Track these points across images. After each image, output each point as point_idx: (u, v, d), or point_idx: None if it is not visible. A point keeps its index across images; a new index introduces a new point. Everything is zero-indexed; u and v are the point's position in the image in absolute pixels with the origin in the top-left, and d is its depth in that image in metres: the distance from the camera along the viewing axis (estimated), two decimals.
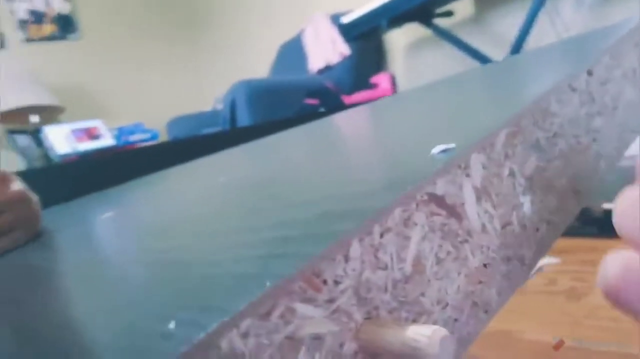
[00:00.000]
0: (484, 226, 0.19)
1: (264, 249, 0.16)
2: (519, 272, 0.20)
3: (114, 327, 0.15)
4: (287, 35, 3.10)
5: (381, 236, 0.16)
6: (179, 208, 0.38)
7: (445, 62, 2.56)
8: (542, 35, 2.17)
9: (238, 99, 2.31)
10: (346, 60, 2.66)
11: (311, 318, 0.14)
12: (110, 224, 0.47)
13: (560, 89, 0.26)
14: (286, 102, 2.31)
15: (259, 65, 3.33)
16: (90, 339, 0.15)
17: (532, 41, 2.05)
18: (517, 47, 2.06)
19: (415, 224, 0.17)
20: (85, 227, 0.54)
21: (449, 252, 0.18)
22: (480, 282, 0.19)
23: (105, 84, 3.64)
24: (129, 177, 1.33)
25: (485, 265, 0.19)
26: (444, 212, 0.18)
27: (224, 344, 0.12)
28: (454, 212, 0.18)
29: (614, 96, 0.31)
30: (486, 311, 0.18)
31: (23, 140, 2.95)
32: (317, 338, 0.14)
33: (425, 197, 0.17)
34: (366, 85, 2.51)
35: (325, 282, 0.14)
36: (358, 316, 0.15)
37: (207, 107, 3.57)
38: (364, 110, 0.85)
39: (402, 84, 2.65)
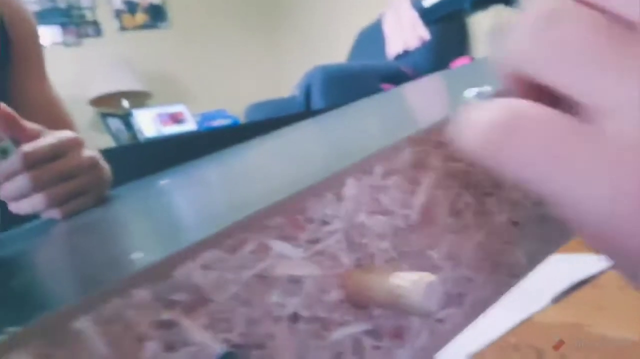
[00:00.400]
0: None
1: (258, 189, 0.15)
2: (558, 233, 0.17)
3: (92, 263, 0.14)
4: (367, 21, 3.06)
5: (383, 177, 0.14)
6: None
7: None
8: None
9: (313, 83, 2.32)
10: (425, 44, 2.58)
11: (288, 258, 0.12)
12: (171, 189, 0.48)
13: None
14: (361, 87, 2.29)
15: (338, 52, 3.32)
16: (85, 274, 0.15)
17: None
18: None
19: (429, 169, 0.15)
20: (148, 194, 0.56)
21: (468, 204, 0.16)
22: (507, 242, 0.16)
23: (190, 71, 3.79)
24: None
25: (514, 223, 0.16)
26: (460, 160, 0.16)
27: (177, 274, 0.11)
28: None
29: None
30: (511, 275, 0.16)
31: (114, 123, 3.15)
32: (294, 281, 0.12)
33: (436, 142, 0.15)
34: (446, 69, 2.43)
35: (310, 220, 0.13)
36: (347, 261, 0.13)
37: (287, 93, 3.62)
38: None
39: None
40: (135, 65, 3.39)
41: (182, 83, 3.76)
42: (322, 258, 0.13)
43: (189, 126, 3.00)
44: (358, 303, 0.13)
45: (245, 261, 0.12)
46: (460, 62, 2.40)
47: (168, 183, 0.52)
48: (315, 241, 0.13)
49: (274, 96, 3.46)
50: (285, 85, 3.75)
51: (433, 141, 0.15)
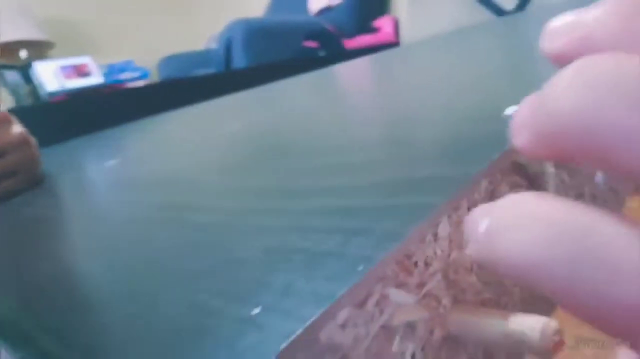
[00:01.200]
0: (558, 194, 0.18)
1: (334, 220, 0.15)
2: None
3: (179, 304, 0.14)
4: None
5: (468, 210, 0.14)
6: (196, 158, 0.36)
7: (452, 7, 2.48)
8: None
9: (234, 39, 2.23)
10: (347, 1, 2.57)
11: (405, 305, 0.12)
12: (123, 176, 0.45)
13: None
14: (284, 44, 2.25)
15: (254, 4, 3.22)
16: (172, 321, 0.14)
17: None
18: None
19: (502, 194, 0.15)
20: (89, 175, 0.52)
21: None
22: None
23: (95, 19, 3.51)
24: (122, 119, 1.30)
25: None
26: (525, 183, 0.17)
27: (323, 336, 0.11)
28: (535, 182, 0.17)
29: None
30: None
31: (12, 76, 2.86)
32: (410, 326, 0.12)
33: (509, 167, 0.16)
34: (368, 29, 2.44)
35: (416, 264, 0.13)
36: (446, 300, 0.13)
37: (200, 46, 3.46)
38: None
39: (406, 29, 2.57)
40: (35, 12, 3.07)
41: (87, 32, 3.47)
42: (429, 300, 0.13)
43: (95, 79, 2.80)
44: (459, 341, 0.13)
45: (372, 313, 0.12)
46: (382, 22, 2.42)
47: (114, 164, 0.49)
48: (422, 285, 0.13)
49: (186, 47, 3.30)
50: (197, 37, 3.59)
51: (503, 169, 0.16)
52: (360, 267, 0.12)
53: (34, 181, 0.50)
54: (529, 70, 0.31)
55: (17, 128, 0.51)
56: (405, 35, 2.55)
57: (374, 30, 2.41)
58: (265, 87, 0.93)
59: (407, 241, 0.13)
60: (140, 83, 2.75)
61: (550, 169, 0.17)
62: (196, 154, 0.38)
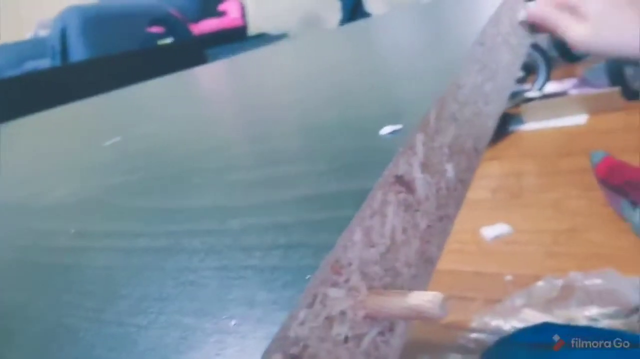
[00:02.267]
0: (427, 195, 0.24)
1: (270, 237, 0.18)
2: (448, 227, 0.25)
3: None
4: None
5: (371, 217, 0.19)
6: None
7: None
8: None
9: (70, 27, 2.06)
10: None
11: (339, 298, 0.17)
12: None
13: (466, 63, 0.30)
14: (127, 32, 2.13)
15: None
16: None
17: None
18: None
19: (390, 203, 0.20)
20: None
21: (408, 222, 0.22)
22: (428, 241, 0.23)
23: None
24: None
25: (429, 226, 0.23)
26: (404, 189, 0.22)
27: (291, 334, 0.14)
28: (410, 187, 0.22)
29: (497, 61, 0.36)
30: (432, 264, 0.23)
31: None
32: (342, 313, 0.17)
33: (393, 179, 0.21)
34: (213, 12, 2.41)
35: (342, 266, 0.17)
36: (364, 289, 0.18)
37: (28, 33, 3.12)
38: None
39: (253, 12, 2.59)
40: None
41: None
42: (352, 291, 0.18)
43: None
44: (376, 317, 0.18)
45: (319, 309, 0.16)
46: (228, 6, 2.41)
47: None
48: (347, 281, 0.17)
49: (11, 35, 2.96)
50: (23, 23, 3.23)
51: (390, 181, 0.20)
52: (308, 276, 0.16)
53: None
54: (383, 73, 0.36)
55: None
56: (252, 18, 2.57)
57: (220, 14, 2.39)
58: (127, 90, 0.90)
59: (335, 249, 0.17)
60: None
61: (419, 175, 0.23)
62: (88, 173, 0.38)
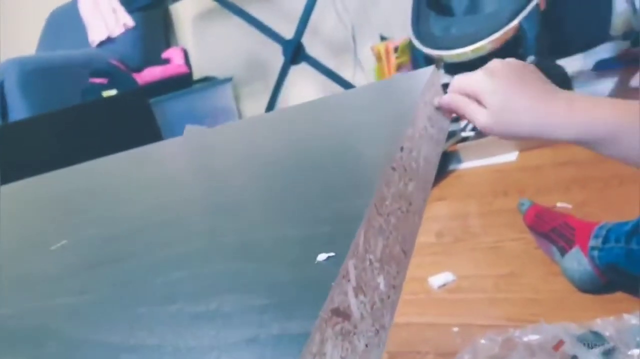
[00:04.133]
0: (362, 315, 0.26)
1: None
2: (383, 336, 0.28)
3: None
4: (57, 1, 2.76)
5: None
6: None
7: (237, 35, 2.59)
8: (324, 13, 2.35)
9: (8, 81, 2.02)
10: (130, 32, 2.51)
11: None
12: None
13: (386, 174, 0.34)
14: (69, 83, 2.11)
15: (23, 35, 2.91)
16: None
17: (315, 17, 2.21)
18: (302, 23, 2.20)
19: (328, 339, 0.23)
20: None
21: (347, 349, 0.24)
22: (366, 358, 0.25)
23: None
24: None
25: (366, 345, 0.26)
26: (340, 319, 0.24)
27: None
28: (346, 315, 0.25)
29: (416, 158, 0.40)
30: None
31: None
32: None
33: (329, 314, 0.23)
34: (157, 60, 2.41)
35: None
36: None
37: None
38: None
39: (195, 58, 2.61)
40: None
41: None
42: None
43: None
44: None
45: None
46: (171, 53, 2.42)
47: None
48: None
49: None
50: None
51: (326, 318, 0.23)
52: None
53: None
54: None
55: None
56: (196, 63, 2.59)
57: (164, 62, 2.40)
58: (76, 169, 0.88)
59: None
60: None
61: (353, 300, 0.25)
62: (33, 289, 0.38)
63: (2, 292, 0.38)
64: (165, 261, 0.34)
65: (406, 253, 0.33)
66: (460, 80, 0.52)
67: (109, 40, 2.55)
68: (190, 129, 2.32)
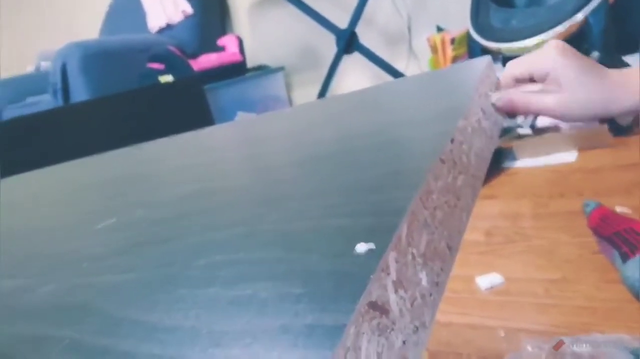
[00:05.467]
0: (401, 311, 0.25)
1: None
2: (423, 335, 0.26)
3: None
4: None
5: (344, 356, 0.20)
6: None
7: (291, 24, 2.60)
8: (380, 2, 2.31)
9: (70, 64, 2.10)
10: (189, 19, 2.56)
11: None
12: None
13: (435, 166, 0.32)
14: (127, 68, 2.17)
15: (85, 21, 3.03)
16: None
17: (370, 6, 2.18)
18: (357, 12, 2.18)
19: (364, 333, 0.22)
20: None
21: (384, 345, 0.23)
22: (404, 357, 0.24)
23: None
24: None
25: (404, 342, 0.25)
26: (378, 314, 0.23)
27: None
28: (384, 309, 0.24)
29: (467, 152, 0.38)
30: None
31: None
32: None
33: (366, 308, 0.22)
34: (212, 47, 2.45)
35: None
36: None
37: (29, 66, 3.17)
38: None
39: (249, 46, 2.63)
40: None
41: None
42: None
43: None
44: None
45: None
46: (226, 41, 2.45)
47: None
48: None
49: (12, 69, 3.00)
50: (24, 57, 3.28)
51: (362, 311, 0.22)
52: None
53: None
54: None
55: None
56: (250, 52, 2.62)
57: (219, 48, 2.44)
58: (129, 151, 0.91)
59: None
60: None
61: (392, 295, 0.24)
62: (78, 266, 0.39)
63: (50, 268, 0.40)
64: (208, 244, 0.34)
65: (451, 250, 0.32)
66: (522, 63, 0.49)
67: (168, 26, 2.62)
68: (242, 115, 2.35)
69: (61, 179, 0.86)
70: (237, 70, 2.40)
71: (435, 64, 2.05)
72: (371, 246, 0.25)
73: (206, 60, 2.33)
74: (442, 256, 0.30)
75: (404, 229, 0.27)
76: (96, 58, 2.12)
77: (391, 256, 0.25)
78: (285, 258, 0.28)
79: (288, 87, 2.75)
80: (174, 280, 0.30)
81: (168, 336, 0.25)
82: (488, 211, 1.24)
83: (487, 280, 0.85)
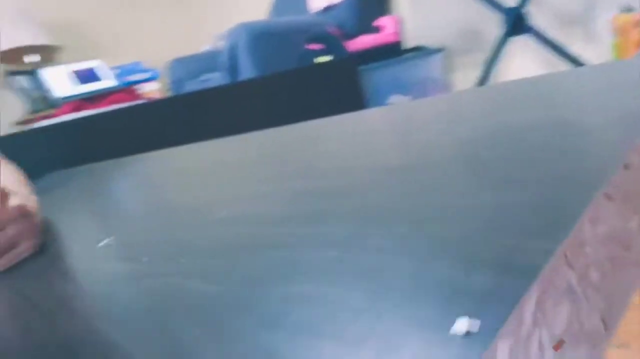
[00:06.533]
0: None
1: None
2: None
3: None
4: None
5: None
6: None
7: (453, 3, 2.43)
8: None
9: (239, 44, 2.22)
10: (349, 0, 2.53)
11: None
12: None
13: (596, 203, 0.23)
14: (288, 48, 2.23)
15: (257, 3, 3.18)
16: None
17: None
18: None
19: None
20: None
21: None
22: None
23: (99, 21, 3.51)
24: (143, 140, 1.30)
25: None
26: None
27: None
28: None
29: None
30: None
31: (23, 81, 2.88)
32: None
33: None
34: (370, 29, 2.41)
35: None
36: None
37: (206, 45, 3.45)
38: None
39: (409, 27, 2.53)
40: (40, 17, 3.08)
41: (95, 36, 3.48)
42: None
43: (108, 82, 2.81)
44: None
45: None
46: (384, 22, 2.39)
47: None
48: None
49: (192, 47, 3.29)
50: (202, 35, 3.57)
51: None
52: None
53: (34, 250, 0.52)
54: None
55: (16, 200, 0.53)
56: (408, 32, 2.52)
57: (376, 30, 2.38)
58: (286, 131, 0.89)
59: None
60: (152, 85, 2.76)
61: None
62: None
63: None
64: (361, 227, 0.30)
65: (607, 326, 0.23)
66: None
67: (328, 7, 2.63)
68: (395, 99, 2.28)
69: (223, 149, 0.88)
70: (393, 51, 2.32)
71: (620, 49, 1.75)
72: (475, 324, 0.18)
73: (363, 41, 2.29)
74: (593, 339, 0.22)
75: (530, 299, 0.19)
76: (262, 38, 2.21)
77: (502, 346, 0.17)
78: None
79: (447, 69, 2.59)
80: (324, 245, 0.28)
81: (318, 309, 0.20)
82: None
83: None
